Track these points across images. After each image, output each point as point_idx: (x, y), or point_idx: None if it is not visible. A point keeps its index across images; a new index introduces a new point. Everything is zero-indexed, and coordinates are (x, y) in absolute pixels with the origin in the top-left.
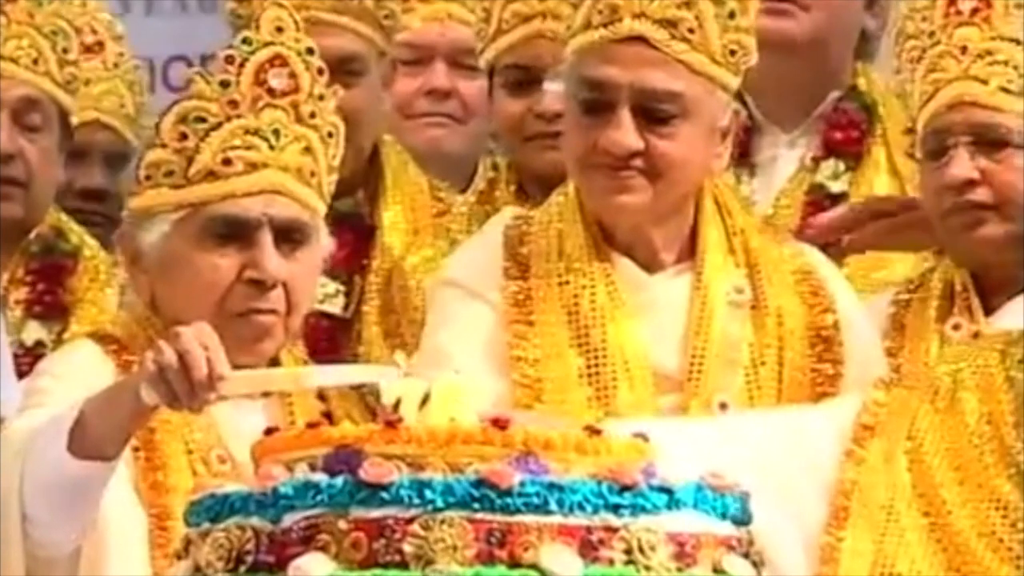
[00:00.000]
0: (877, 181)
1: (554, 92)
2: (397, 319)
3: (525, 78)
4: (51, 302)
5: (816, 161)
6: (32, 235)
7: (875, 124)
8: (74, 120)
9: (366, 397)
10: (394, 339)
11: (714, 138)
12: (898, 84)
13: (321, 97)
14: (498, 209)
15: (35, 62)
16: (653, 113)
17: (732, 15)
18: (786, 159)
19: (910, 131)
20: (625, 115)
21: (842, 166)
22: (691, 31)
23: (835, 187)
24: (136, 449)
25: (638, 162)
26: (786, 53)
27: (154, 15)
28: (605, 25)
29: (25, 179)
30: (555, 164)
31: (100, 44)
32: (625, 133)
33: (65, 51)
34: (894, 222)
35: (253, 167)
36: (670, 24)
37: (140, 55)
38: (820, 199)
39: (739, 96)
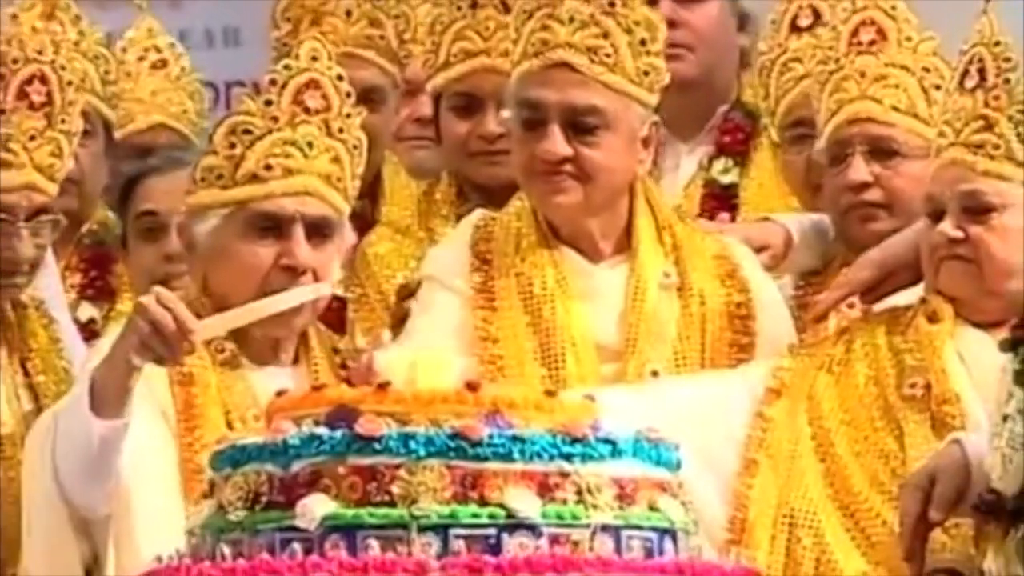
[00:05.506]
0: (763, 174)
1: (501, 117)
2: (367, 300)
3: (469, 104)
4: (101, 286)
5: (710, 161)
6: (84, 228)
7: (759, 128)
8: (139, 125)
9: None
10: (365, 320)
11: (635, 146)
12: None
13: (348, 116)
14: (439, 206)
15: (82, 81)
16: (579, 126)
17: (643, 42)
18: (686, 165)
19: (787, 127)
20: (555, 129)
21: (731, 163)
22: (608, 56)
23: (725, 180)
24: (178, 412)
25: (569, 168)
26: (681, 89)
27: (186, 48)
28: (537, 55)
29: (79, 178)
30: (494, 177)
31: (163, 62)
32: (556, 143)
33: (107, 72)
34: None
35: (290, 172)
36: (591, 51)
37: None
38: (714, 190)
39: None
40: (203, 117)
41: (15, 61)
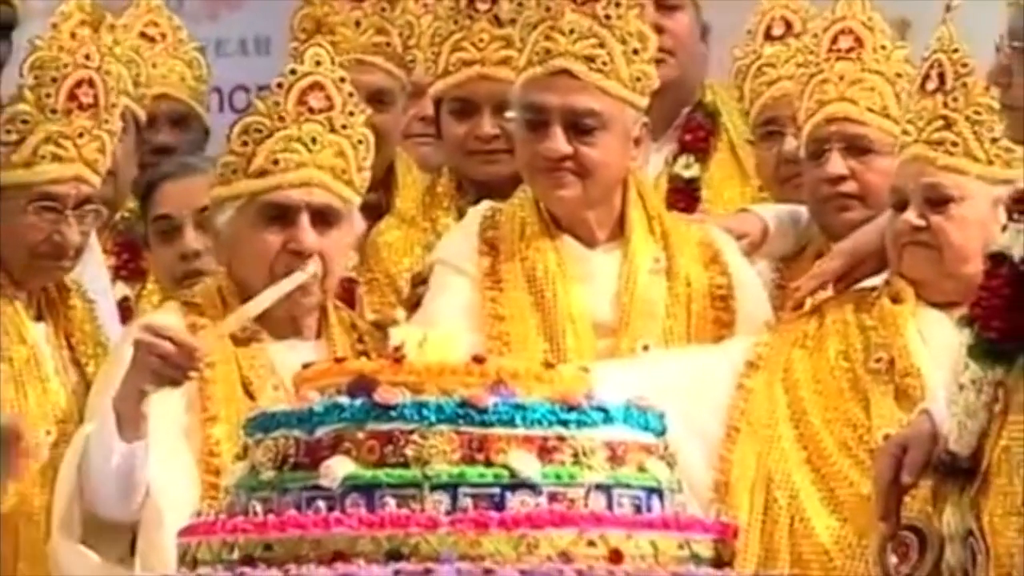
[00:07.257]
0: (722, 170)
1: (499, 118)
2: (377, 284)
3: (466, 108)
4: (133, 268)
5: (674, 157)
6: (117, 216)
7: (718, 127)
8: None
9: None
10: (375, 302)
11: (628, 144)
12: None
13: (351, 113)
14: (440, 199)
15: (116, 83)
16: (579, 127)
17: (636, 51)
18: (654, 162)
19: (759, 125)
20: (557, 129)
21: (692, 159)
22: (605, 64)
23: (687, 174)
24: (199, 389)
25: (569, 164)
26: (658, 91)
27: (222, 56)
28: (541, 63)
29: (114, 170)
30: (490, 173)
31: (163, 35)
32: (557, 142)
33: (138, 75)
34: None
35: (295, 166)
36: (589, 60)
37: (212, 85)
38: (677, 185)
39: None
40: (202, 82)
41: (66, 66)
